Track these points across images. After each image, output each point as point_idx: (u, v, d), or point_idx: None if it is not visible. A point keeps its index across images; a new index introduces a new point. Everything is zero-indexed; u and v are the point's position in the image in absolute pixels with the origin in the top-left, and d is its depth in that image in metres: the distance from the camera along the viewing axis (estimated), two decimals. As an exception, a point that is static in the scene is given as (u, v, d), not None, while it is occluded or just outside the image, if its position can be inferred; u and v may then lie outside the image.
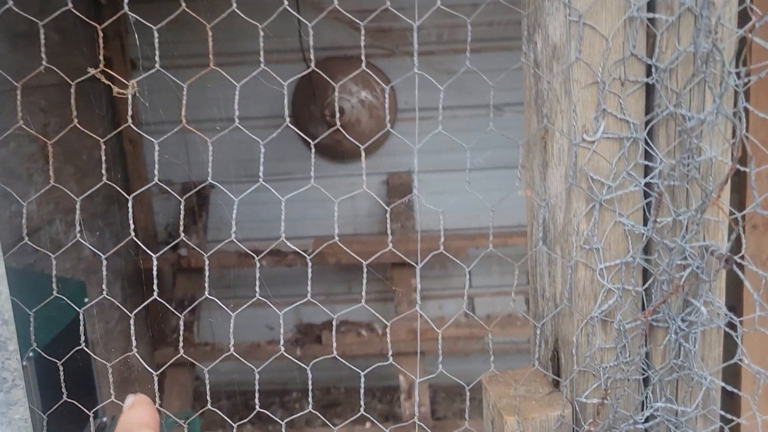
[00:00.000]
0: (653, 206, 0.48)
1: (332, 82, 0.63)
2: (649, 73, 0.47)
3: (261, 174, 0.59)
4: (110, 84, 0.46)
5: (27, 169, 2.38)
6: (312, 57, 3.14)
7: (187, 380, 2.91)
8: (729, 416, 0.50)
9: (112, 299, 0.67)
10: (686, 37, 0.46)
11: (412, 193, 2.98)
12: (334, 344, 2.74)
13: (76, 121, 0.46)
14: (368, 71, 1.10)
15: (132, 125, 0.53)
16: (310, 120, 3.16)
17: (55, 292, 0.54)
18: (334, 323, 3.10)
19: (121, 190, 0.78)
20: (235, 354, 0.64)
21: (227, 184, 3.13)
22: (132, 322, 0.61)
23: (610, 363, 0.51)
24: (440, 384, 3.17)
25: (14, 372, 0.49)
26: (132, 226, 0.55)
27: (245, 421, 3.07)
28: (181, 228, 2.86)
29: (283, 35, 2.86)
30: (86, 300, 1.87)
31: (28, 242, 2.02)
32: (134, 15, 0.48)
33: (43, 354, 0.54)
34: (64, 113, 2.58)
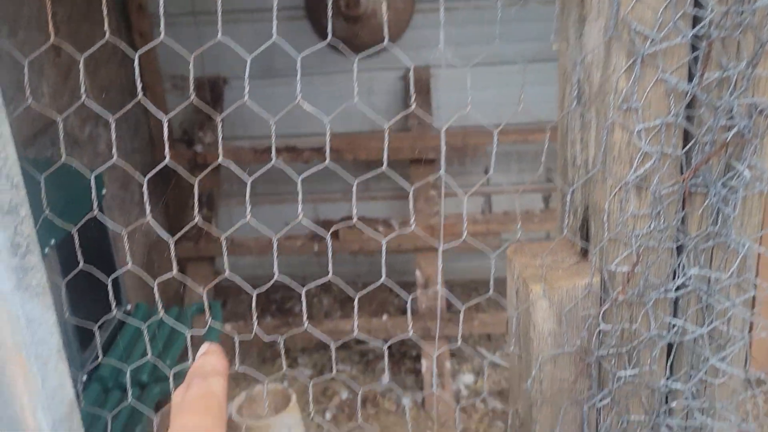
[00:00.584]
0: (700, 60, 0.44)
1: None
2: None
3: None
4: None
5: (38, 61, 2.33)
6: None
7: (208, 274, 2.97)
8: (766, 284, 0.48)
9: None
10: None
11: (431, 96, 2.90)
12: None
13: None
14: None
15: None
16: (324, 12, 3.05)
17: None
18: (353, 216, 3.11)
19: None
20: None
21: (241, 79, 3.07)
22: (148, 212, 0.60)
23: (643, 230, 0.49)
24: (456, 280, 3.21)
25: (28, 237, 0.48)
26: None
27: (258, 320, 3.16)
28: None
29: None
30: (104, 192, 1.88)
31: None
32: None
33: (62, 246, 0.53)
34: (72, 2, 2.50)
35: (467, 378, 2.77)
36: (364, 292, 0.63)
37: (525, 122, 2.95)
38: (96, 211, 0.55)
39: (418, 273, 2.84)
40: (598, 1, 0.46)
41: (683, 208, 0.48)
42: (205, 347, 0.46)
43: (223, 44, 0.61)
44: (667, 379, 0.51)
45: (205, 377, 0.41)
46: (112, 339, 1.78)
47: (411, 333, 2.76)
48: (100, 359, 1.61)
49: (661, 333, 0.50)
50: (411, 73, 3.23)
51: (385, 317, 2.83)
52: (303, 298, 0.61)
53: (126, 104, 2.98)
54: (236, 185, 3.21)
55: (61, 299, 0.61)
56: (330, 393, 2.69)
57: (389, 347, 2.98)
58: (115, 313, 1.72)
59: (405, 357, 2.90)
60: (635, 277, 0.50)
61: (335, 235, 3.01)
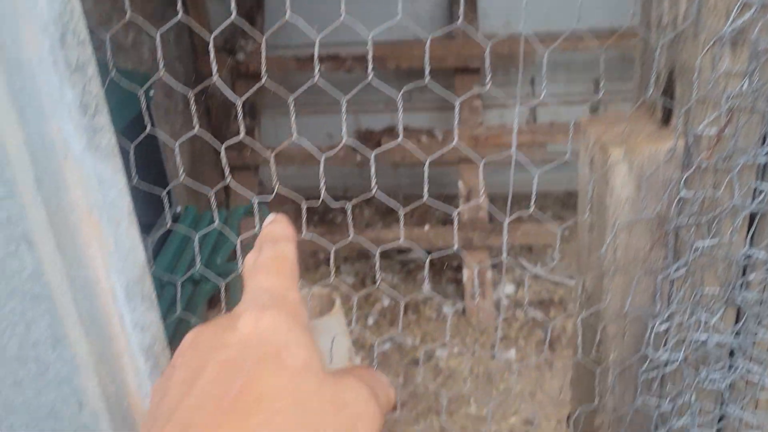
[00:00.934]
0: None
1: None
2: None
3: None
4: None
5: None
6: None
7: (252, 184, 3.00)
8: None
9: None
10: None
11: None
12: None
13: None
14: None
15: None
16: None
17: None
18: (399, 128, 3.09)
19: None
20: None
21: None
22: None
23: (735, 90, 0.46)
24: (498, 193, 3.19)
25: (96, 96, 0.47)
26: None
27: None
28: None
29: None
30: (152, 93, 1.88)
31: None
32: None
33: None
34: None
35: (508, 288, 2.79)
36: (409, 208, 0.62)
37: (576, 28, 2.83)
38: (149, 128, 0.54)
39: (460, 184, 2.82)
40: None
41: (783, 65, 0.44)
42: (271, 217, 0.46)
43: None
44: (748, 249, 0.50)
45: (275, 242, 0.41)
46: (163, 240, 1.82)
47: (455, 247, 2.77)
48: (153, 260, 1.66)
49: (745, 202, 0.48)
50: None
51: (426, 227, 2.84)
52: (349, 213, 0.60)
53: (167, 11, 2.96)
54: (279, 96, 3.19)
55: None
56: (372, 300, 2.74)
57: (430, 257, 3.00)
58: (167, 216, 1.75)
59: (446, 267, 2.92)
60: (723, 141, 0.47)
61: (377, 145, 2.99)
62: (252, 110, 3.10)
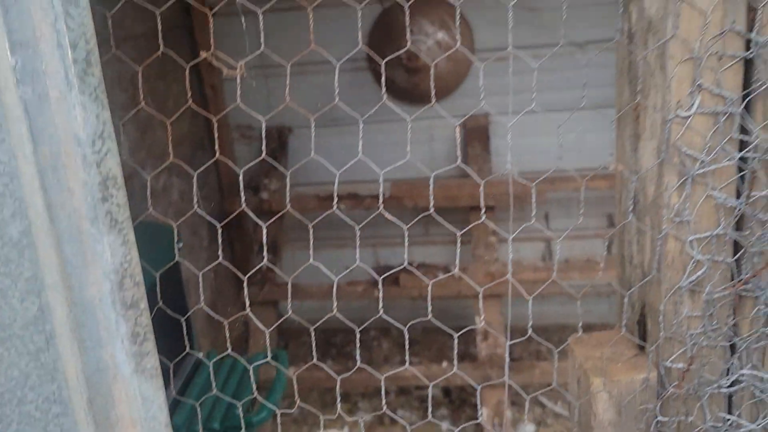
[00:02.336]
0: (747, 180, 0.48)
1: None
2: (748, 48, 0.47)
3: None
4: (221, 67, 0.49)
5: (119, 118, 2.50)
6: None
7: (272, 318, 3.06)
8: (817, 384, 0.51)
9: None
10: (790, 9, 0.45)
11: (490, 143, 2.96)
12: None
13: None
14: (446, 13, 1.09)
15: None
16: (385, 63, 3.15)
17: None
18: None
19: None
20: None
21: (306, 128, 3.20)
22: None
23: (697, 330, 0.52)
24: (517, 326, 3.21)
25: (145, 327, 0.55)
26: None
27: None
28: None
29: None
30: (180, 246, 1.99)
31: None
32: None
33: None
34: (151, 62, 2.67)
35: (529, 428, 2.75)
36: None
37: (587, 167, 2.96)
38: (177, 258, 0.62)
39: (477, 319, 2.86)
40: (651, 123, 0.51)
41: (735, 311, 0.51)
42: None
43: (289, 95, 0.69)
44: (724, 469, 0.54)
45: None
46: (185, 386, 1.86)
47: (474, 385, 2.77)
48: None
49: (716, 426, 0.53)
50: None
51: (444, 364, 2.85)
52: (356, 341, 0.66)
53: (196, 155, 3.16)
54: (299, 231, 3.32)
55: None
56: (390, 438, 2.72)
57: (449, 394, 2.99)
58: (188, 353, 1.79)
59: (465, 404, 2.90)
60: (690, 374, 0.53)
61: (395, 281, 3.07)
62: (273, 247, 3.21)
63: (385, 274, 3.14)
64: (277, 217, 3.16)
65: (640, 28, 0.51)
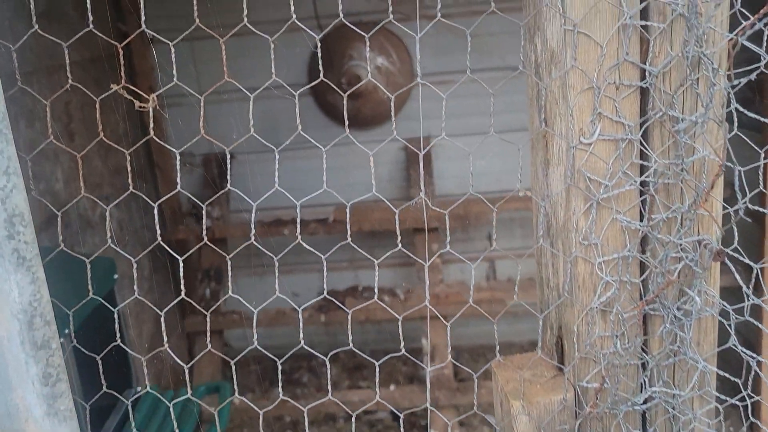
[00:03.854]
0: (648, 204, 0.50)
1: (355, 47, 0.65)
2: (643, 77, 0.49)
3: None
4: (132, 99, 0.49)
5: (53, 149, 2.43)
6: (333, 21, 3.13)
7: (217, 347, 3.00)
8: (723, 397, 0.53)
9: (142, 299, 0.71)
10: (678, 42, 0.48)
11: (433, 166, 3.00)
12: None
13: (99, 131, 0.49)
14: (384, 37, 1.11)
15: (155, 137, 0.56)
16: (327, 88, 3.17)
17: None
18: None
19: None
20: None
21: (248, 154, 3.17)
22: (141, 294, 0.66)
23: (610, 350, 0.54)
24: (463, 346, 3.24)
25: (57, 368, 0.54)
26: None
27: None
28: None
29: (297, 2, 2.85)
30: (115, 277, 1.94)
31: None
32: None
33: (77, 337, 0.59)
34: (84, 91, 2.62)
35: (477, 448, 2.76)
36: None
37: (529, 187, 3.01)
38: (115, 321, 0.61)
39: (424, 342, 2.86)
40: (558, 149, 0.53)
41: (645, 332, 0.53)
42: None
43: (230, 121, 0.69)
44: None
45: None
46: (123, 424, 1.81)
47: (422, 406, 2.77)
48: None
49: (634, 443, 0.55)
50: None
51: (392, 387, 2.85)
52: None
53: (138, 184, 3.09)
54: (244, 258, 3.27)
55: (73, 384, 0.66)
56: (340, 465, 2.68)
57: (398, 416, 2.98)
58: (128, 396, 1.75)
59: (414, 427, 2.90)
60: (605, 393, 0.54)
61: (342, 305, 3.05)
62: (217, 274, 3.16)
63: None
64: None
65: (544, 59, 0.52)
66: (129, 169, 0.64)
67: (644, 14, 0.48)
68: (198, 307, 1.18)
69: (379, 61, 3.15)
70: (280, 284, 3.32)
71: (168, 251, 0.84)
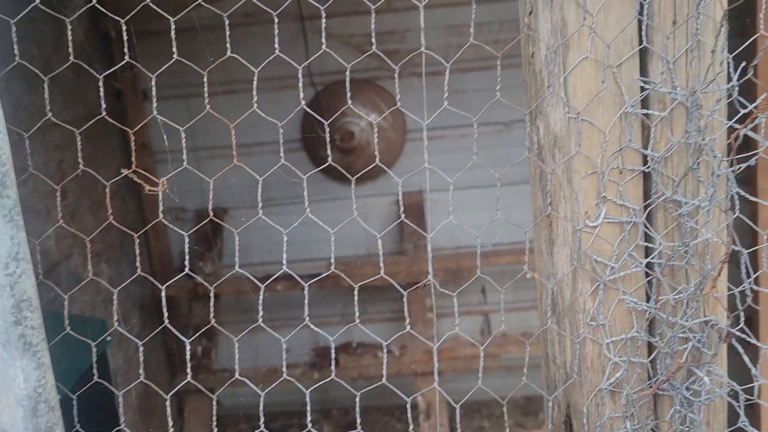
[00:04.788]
0: (654, 285, 0.51)
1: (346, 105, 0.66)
2: (645, 162, 0.51)
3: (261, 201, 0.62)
4: (142, 183, 0.50)
5: (45, 206, 2.43)
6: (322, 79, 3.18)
7: (207, 406, 2.95)
8: (735, 478, 0.53)
9: (129, 336, 0.71)
10: (679, 128, 0.49)
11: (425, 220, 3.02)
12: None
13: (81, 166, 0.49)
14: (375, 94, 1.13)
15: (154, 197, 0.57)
16: (320, 144, 3.20)
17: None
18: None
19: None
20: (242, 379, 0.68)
21: (241, 209, 3.18)
22: (141, 350, 0.65)
23: (620, 431, 0.54)
24: (458, 401, 3.19)
25: (62, 450, 0.53)
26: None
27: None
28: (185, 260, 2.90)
29: (290, 61, 2.91)
30: (108, 339, 1.91)
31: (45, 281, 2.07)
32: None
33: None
34: (76, 148, 2.63)
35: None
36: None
37: (521, 240, 3.03)
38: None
39: (420, 399, 2.83)
40: (563, 231, 0.54)
41: (656, 416, 0.53)
42: None
43: (223, 176, 0.69)
44: None
45: None
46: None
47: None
48: None
49: None
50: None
51: (387, 446, 2.79)
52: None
53: (127, 240, 3.08)
54: (236, 314, 3.25)
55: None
56: None
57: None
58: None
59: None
60: (617, 475, 0.54)
61: (335, 362, 3.02)
62: (208, 331, 3.13)
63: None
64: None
65: (547, 142, 0.54)
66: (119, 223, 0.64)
67: (645, 102, 0.50)
68: (188, 365, 1.16)
69: (372, 117, 3.19)
70: (271, 340, 3.29)
71: (158, 308, 0.83)
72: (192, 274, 3.07)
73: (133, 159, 0.53)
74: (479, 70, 3.01)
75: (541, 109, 0.53)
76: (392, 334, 3.29)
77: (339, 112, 3.05)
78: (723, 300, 0.52)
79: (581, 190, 0.51)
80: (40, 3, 0.56)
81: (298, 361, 2.96)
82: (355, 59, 3.17)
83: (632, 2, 0.48)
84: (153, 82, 0.64)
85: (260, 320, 0.70)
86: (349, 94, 0.71)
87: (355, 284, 3.09)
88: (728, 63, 0.48)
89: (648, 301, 0.53)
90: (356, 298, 0.71)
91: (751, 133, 0.45)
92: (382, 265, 0.76)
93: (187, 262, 3.27)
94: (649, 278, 0.53)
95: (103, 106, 0.58)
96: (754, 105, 0.45)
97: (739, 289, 0.50)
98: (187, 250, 3.24)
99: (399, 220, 3.28)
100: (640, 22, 0.48)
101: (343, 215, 3.18)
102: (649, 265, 0.52)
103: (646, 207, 0.51)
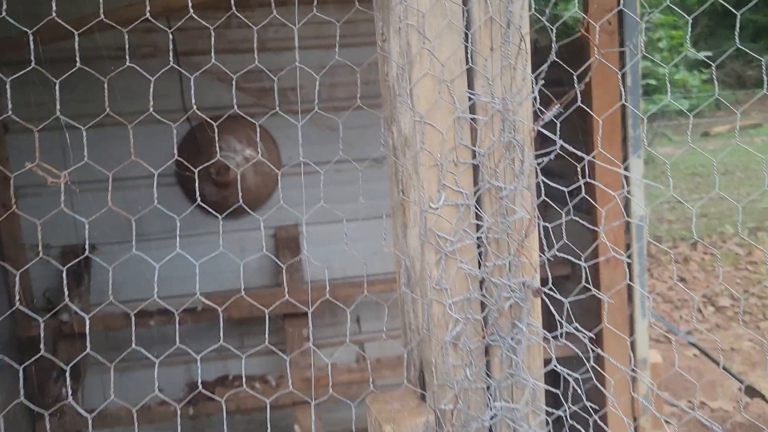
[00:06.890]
0: (483, 254, 0.64)
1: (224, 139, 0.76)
2: (474, 156, 0.65)
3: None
4: (45, 176, 0.56)
5: None
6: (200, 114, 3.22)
7: (75, 449, 2.82)
8: (551, 410, 0.66)
9: None
10: (497, 129, 0.64)
11: (301, 252, 3.11)
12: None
13: None
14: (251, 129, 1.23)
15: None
16: (194, 178, 3.22)
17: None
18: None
19: None
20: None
21: (113, 244, 3.11)
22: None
23: (461, 376, 0.66)
24: (335, 430, 3.26)
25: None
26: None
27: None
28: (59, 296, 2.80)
29: (165, 95, 2.94)
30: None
31: None
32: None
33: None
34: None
35: None
36: None
37: (393, 271, 3.18)
38: None
39: (296, 428, 2.87)
40: (413, 214, 0.66)
41: (487, 357, 0.66)
42: None
43: (92, 211, 0.75)
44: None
45: None
46: None
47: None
48: None
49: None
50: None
51: (265, 476, 2.80)
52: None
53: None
54: (106, 352, 3.14)
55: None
56: None
57: None
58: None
59: None
60: (458, 413, 0.66)
61: (211, 397, 3.00)
62: (74, 371, 3.01)
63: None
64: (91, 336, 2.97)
65: (400, 142, 0.67)
66: None
67: (472, 109, 0.64)
68: (49, 408, 1.17)
69: (247, 153, 3.26)
70: (144, 378, 3.24)
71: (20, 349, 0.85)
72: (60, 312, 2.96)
73: (36, 155, 0.60)
74: (352, 109, 3.19)
75: (394, 116, 0.66)
76: (270, 365, 3.31)
77: (213, 146, 3.10)
78: (535, 265, 0.67)
79: (426, 179, 0.64)
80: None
81: (173, 397, 2.92)
82: (230, 95, 3.25)
83: (460, 32, 0.63)
84: (9, 112, 0.71)
85: (132, 348, 0.77)
86: (216, 131, 0.81)
87: (233, 317, 3.13)
88: (531, 79, 0.63)
89: (479, 267, 0.66)
90: (225, 333, 0.80)
91: (543, 130, 0.60)
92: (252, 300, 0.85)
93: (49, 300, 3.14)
94: (479, 249, 0.66)
95: None
96: (547, 112, 0.60)
97: (548, 255, 0.65)
98: (48, 288, 3.12)
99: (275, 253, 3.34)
100: (466, 47, 0.63)
101: (218, 248, 3.19)
102: (479, 239, 0.66)
103: (475, 192, 0.65)
